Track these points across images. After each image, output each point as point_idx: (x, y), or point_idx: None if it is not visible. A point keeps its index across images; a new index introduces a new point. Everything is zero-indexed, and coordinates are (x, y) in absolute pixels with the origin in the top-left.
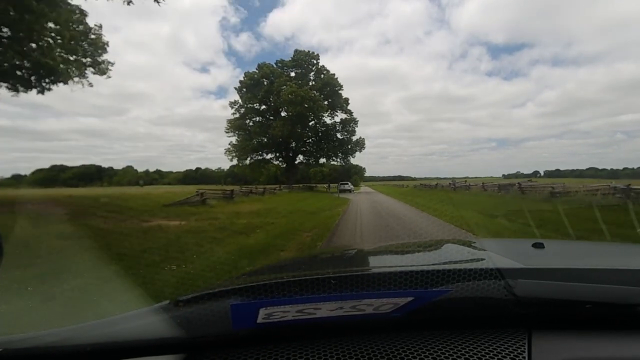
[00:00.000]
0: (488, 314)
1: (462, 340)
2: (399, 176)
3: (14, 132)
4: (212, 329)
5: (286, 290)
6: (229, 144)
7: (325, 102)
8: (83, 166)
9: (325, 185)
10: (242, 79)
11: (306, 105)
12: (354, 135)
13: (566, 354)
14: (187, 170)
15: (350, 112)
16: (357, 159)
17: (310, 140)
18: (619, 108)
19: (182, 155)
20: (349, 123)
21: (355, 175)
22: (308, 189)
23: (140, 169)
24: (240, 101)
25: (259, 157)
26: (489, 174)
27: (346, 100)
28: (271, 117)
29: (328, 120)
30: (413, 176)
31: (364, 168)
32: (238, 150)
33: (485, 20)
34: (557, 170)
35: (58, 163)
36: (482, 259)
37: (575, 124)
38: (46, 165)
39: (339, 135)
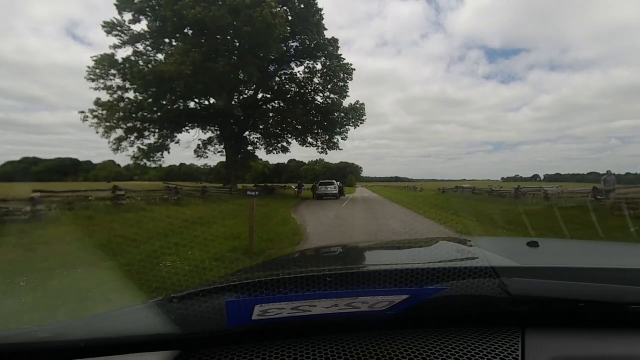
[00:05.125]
0: (482, 312)
1: (457, 338)
2: (396, 177)
3: (7, 125)
4: (206, 325)
5: (282, 288)
6: (95, 103)
7: (296, 44)
8: (58, 159)
9: (294, 186)
10: None
11: (242, 16)
12: (344, 96)
13: (560, 352)
14: (170, 166)
15: (338, 58)
16: (352, 157)
17: (270, 105)
18: (614, 114)
19: (177, 151)
20: (336, 73)
21: (351, 174)
22: (267, 193)
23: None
24: (124, 21)
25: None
26: (486, 177)
27: (333, 41)
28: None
29: (300, 75)
30: (410, 178)
31: (361, 167)
32: (110, 114)
33: (482, 24)
34: (558, 174)
35: (53, 157)
36: (477, 258)
37: (570, 129)
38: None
39: (318, 99)
